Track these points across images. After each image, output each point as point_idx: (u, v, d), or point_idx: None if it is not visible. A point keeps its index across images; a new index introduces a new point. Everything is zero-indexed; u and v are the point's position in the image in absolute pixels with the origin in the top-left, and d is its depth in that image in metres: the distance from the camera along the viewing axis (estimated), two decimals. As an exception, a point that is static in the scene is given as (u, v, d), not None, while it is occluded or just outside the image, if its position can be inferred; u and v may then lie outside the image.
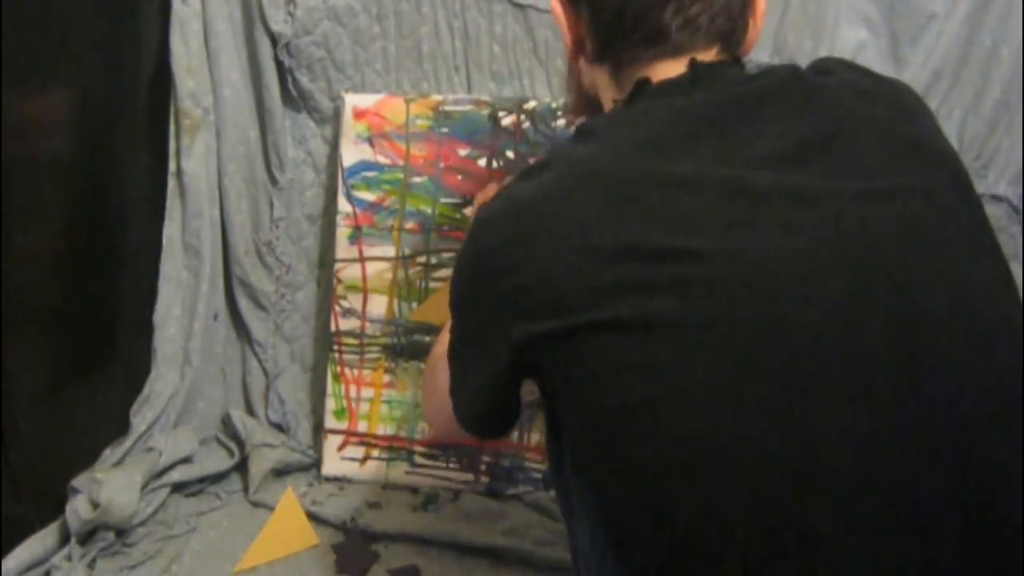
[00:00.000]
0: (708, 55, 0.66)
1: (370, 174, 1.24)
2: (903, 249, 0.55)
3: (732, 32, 0.67)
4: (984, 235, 0.60)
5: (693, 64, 0.64)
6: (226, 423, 1.29)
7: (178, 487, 1.19)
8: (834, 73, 0.65)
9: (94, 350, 1.22)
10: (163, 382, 1.23)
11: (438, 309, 1.22)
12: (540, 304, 0.58)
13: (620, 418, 0.55)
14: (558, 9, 0.71)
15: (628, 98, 0.65)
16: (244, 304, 1.30)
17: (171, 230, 1.25)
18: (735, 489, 0.52)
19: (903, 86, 0.67)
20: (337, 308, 1.25)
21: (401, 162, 1.23)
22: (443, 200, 1.23)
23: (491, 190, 1.08)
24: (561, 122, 1.20)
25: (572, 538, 0.68)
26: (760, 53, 1.18)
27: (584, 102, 0.77)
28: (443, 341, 0.77)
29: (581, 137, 0.64)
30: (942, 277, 0.56)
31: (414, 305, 1.23)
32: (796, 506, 0.51)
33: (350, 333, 1.24)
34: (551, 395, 0.61)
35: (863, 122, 0.60)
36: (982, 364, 0.54)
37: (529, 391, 0.73)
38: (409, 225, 1.23)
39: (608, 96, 0.70)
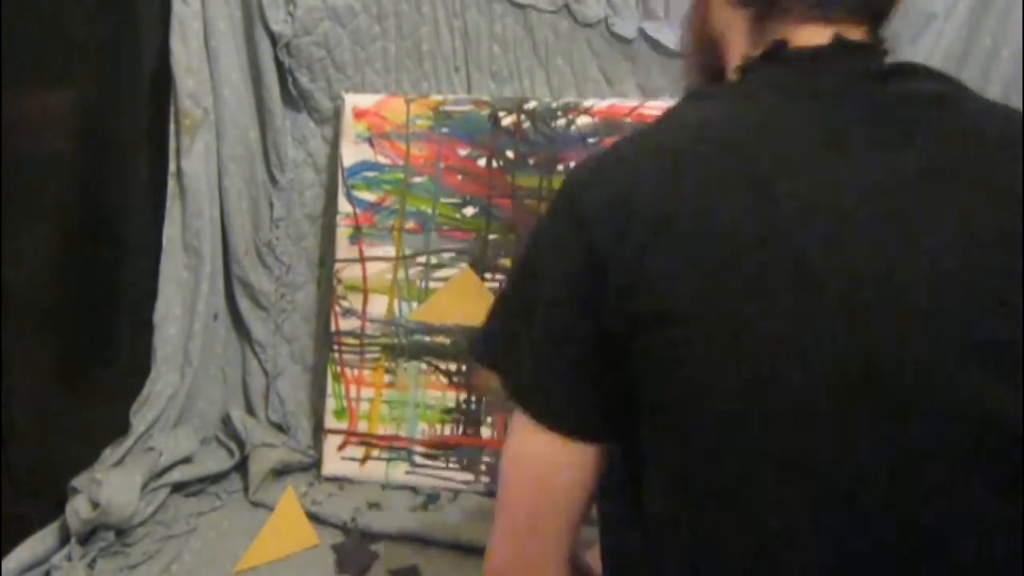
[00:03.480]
0: (854, 31, 0.61)
1: (370, 174, 1.24)
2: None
3: (884, 14, 0.64)
4: None
5: (838, 39, 0.60)
6: (226, 423, 1.29)
7: (178, 487, 1.18)
8: (977, 109, 0.62)
9: (94, 350, 1.22)
10: (163, 382, 1.23)
11: (438, 309, 1.22)
12: (636, 288, 0.53)
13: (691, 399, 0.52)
14: None
15: (759, 59, 0.61)
16: (244, 304, 1.30)
17: (171, 230, 1.25)
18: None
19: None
20: (337, 308, 1.25)
21: (401, 162, 1.23)
22: (443, 200, 1.22)
23: None
24: (561, 122, 1.20)
25: (606, 517, 0.65)
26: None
27: (706, 44, 0.69)
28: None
29: (697, 98, 0.61)
30: None
31: (414, 305, 1.23)
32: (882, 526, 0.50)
33: (350, 333, 1.24)
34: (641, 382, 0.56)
35: (985, 165, 0.56)
36: None
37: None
38: (409, 225, 1.23)
39: (737, 45, 0.64)
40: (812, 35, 0.60)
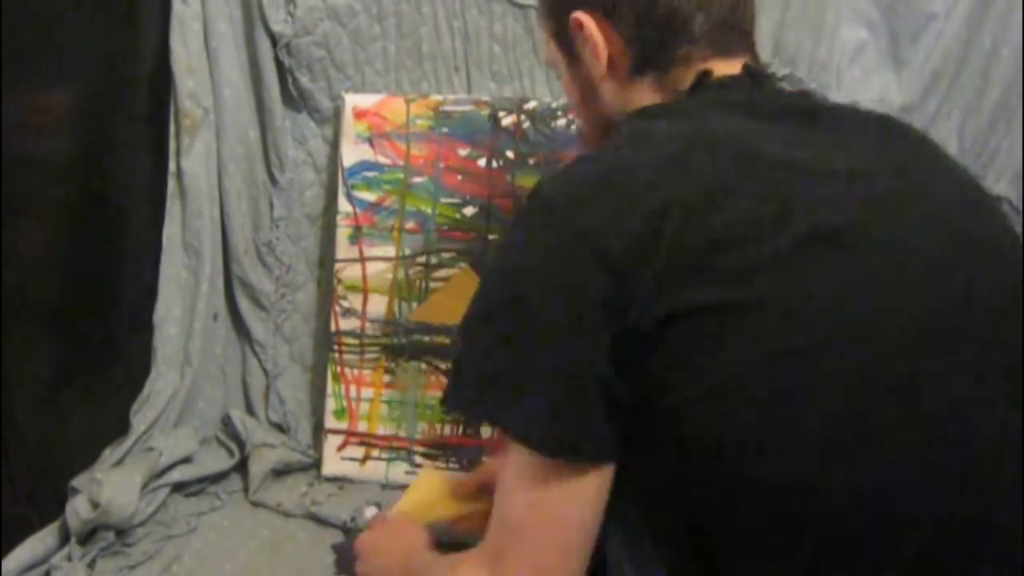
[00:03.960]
0: (748, 59, 0.67)
1: (370, 174, 1.24)
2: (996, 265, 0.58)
3: (753, 48, 0.68)
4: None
5: (748, 67, 0.65)
6: (226, 423, 1.29)
7: (178, 487, 1.18)
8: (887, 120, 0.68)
9: (94, 350, 1.22)
10: (163, 382, 1.23)
11: (438, 309, 1.22)
12: (684, 269, 0.53)
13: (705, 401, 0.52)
14: (592, 28, 0.67)
15: (691, 89, 0.64)
16: (244, 304, 1.30)
17: (171, 230, 1.25)
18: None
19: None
20: (337, 308, 1.25)
21: (401, 162, 1.23)
22: (443, 200, 1.22)
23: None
24: (561, 122, 1.20)
25: (608, 546, 0.64)
26: (760, 53, 1.18)
27: (604, 129, 0.71)
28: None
29: (651, 118, 0.63)
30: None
31: (414, 305, 1.23)
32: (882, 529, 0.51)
33: (350, 333, 1.24)
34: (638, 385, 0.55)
35: (930, 163, 0.63)
36: None
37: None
38: (409, 225, 1.23)
39: (644, 103, 0.67)
40: (724, 68, 0.65)
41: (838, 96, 1.17)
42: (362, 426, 1.24)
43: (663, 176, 0.55)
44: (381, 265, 1.24)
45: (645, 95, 0.67)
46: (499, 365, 0.57)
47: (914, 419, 0.51)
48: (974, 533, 0.51)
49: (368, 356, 1.24)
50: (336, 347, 1.25)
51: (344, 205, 1.24)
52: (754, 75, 0.64)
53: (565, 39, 0.70)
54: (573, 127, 1.20)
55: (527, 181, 1.20)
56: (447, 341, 1.22)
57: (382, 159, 1.24)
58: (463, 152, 1.22)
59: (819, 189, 0.55)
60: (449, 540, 0.82)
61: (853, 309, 0.52)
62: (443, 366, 1.22)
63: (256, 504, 1.19)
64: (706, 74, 0.64)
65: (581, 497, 0.56)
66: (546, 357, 0.54)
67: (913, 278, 0.53)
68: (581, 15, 0.67)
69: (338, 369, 1.25)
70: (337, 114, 1.27)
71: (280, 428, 1.31)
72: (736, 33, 0.66)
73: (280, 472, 1.24)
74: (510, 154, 1.21)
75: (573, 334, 0.54)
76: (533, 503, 0.57)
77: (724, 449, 0.52)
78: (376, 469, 1.23)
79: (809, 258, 0.53)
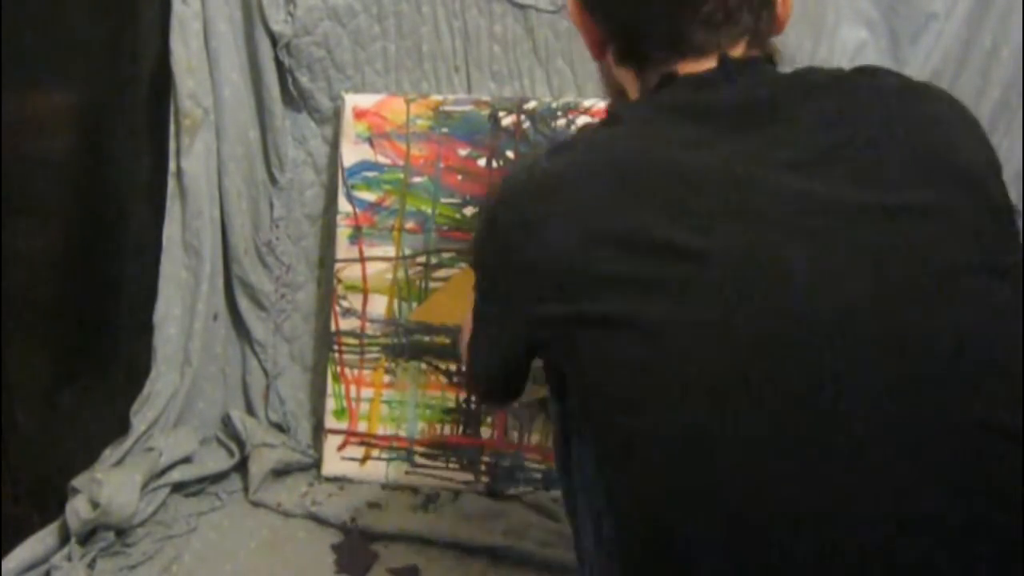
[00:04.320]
0: (737, 50, 0.64)
1: (370, 174, 1.24)
2: (909, 269, 0.55)
3: (757, 22, 0.65)
4: (1002, 256, 0.58)
5: (723, 59, 0.63)
6: (226, 423, 1.29)
7: (178, 487, 1.18)
8: (873, 77, 0.64)
9: (94, 350, 1.22)
10: (163, 382, 1.23)
11: (438, 309, 1.22)
12: (547, 285, 0.58)
13: (615, 412, 0.55)
14: (576, 14, 0.71)
15: (655, 89, 0.65)
16: (244, 304, 1.30)
17: (171, 230, 1.25)
18: (730, 490, 0.52)
19: (942, 95, 0.65)
20: (337, 308, 1.25)
21: (401, 162, 1.23)
22: (443, 200, 1.22)
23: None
24: (561, 122, 1.20)
25: (577, 539, 0.67)
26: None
27: (618, 95, 0.76)
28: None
29: (607, 122, 0.64)
30: (946, 301, 0.54)
31: (414, 305, 1.23)
32: (793, 507, 0.51)
33: (350, 333, 1.24)
34: (559, 379, 0.62)
35: (893, 132, 0.59)
36: (969, 390, 0.53)
37: (531, 390, 0.73)
38: (409, 225, 1.23)
39: (634, 92, 0.70)
40: (697, 66, 0.64)
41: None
42: (362, 426, 1.24)
43: (562, 189, 0.59)
44: (381, 265, 1.24)
45: (632, 84, 0.70)
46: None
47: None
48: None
49: (368, 356, 1.24)
50: (336, 347, 1.25)
51: (344, 205, 1.24)
52: (727, 67, 0.63)
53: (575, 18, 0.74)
54: (573, 127, 1.20)
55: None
56: (447, 341, 1.22)
57: (382, 159, 1.24)
58: (463, 152, 1.22)
59: (690, 197, 0.56)
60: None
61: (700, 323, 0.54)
62: (443, 366, 1.22)
63: (256, 504, 1.19)
64: (669, 76, 0.64)
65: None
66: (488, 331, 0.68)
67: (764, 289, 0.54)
68: (572, 3, 0.71)
69: (338, 369, 1.25)
70: (337, 114, 1.27)
71: (280, 428, 1.31)
72: (710, 30, 0.64)
73: (280, 472, 1.24)
74: (510, 154, 1.21)
75: (500, 308, 0.65)
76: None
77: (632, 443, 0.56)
78: (376, 469, 1.23)
79: (666, 274, 0.55)
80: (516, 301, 0.61)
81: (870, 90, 0.62)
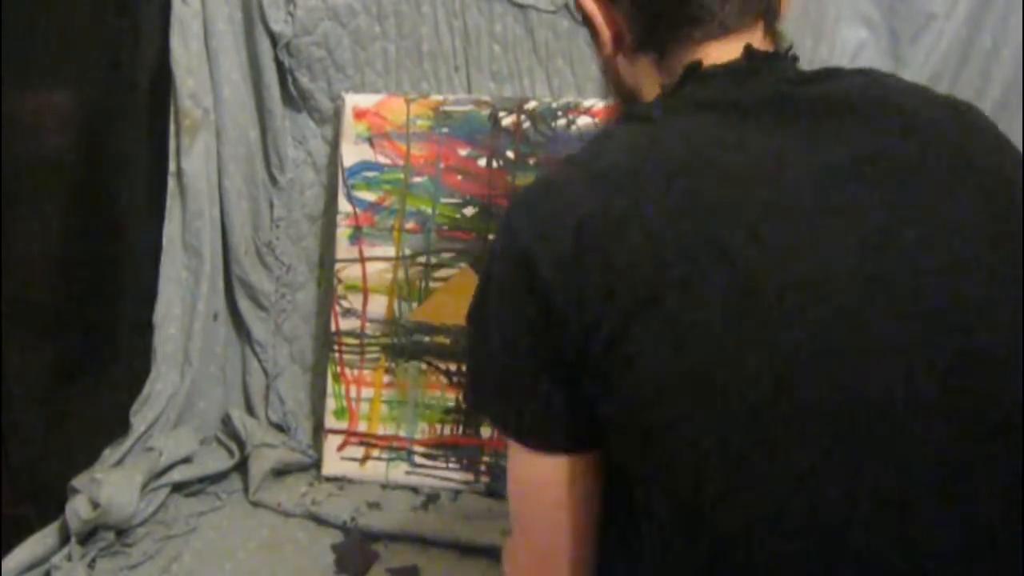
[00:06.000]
0: (756, 36, 0.63)
1: (370, 174, 1.24)
2: (939, 280, 0.53)
3: (770, 5, 0.64)
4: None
5: (749, 51, 0.62)
6: (226, 423, 1.29)
7: (178, 487, 1.18)
8: (904, 93, 0.63)
9: (94, 350, 1.22)
10: (163, 382, 1.23)
11: (438, 309, 1.22)
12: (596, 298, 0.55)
13: (647, 424, 0.54)
14: (591, 6, 0.68)
15: (679, 83, 0.63)
16: (244, 304, 1.30)
17: (171, 230, 1.25)
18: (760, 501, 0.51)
19: (975, 113, 0.65)
20: (337, 308, 1.25)
21: (401, 162, 1.23)
22: (443, 200, 1.22)
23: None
24: (561, 122, 1.20)
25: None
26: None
27: (627, 95, 0.72)
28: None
29: (629, 121, 0.62)
30: (993, 309, 0.53)
31: (414, 305, 1.23)
32: (826, 521, 0.50)
33: (350, 333, 1.24)
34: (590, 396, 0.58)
35: (927, 140, 0.58)
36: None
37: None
38: (409, 225, 1.23)
39: (653, 85, 0.67)
40: (721, 52, 0.62)
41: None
42: (362, 426, 1.24)
43: (588, 193, 0.56)
44: (381, 265, 1.24)
45: (651, 75, 0.67)
46: (478, 364, 0.64)
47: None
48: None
49: (368, 356, 1.24)
50: (336, 347, 1.25)
51: (344, 205, 1.24)
52: (754, 58, 0.62)
53: (584, 21, 0.72)
54: (573, 127, 1.20)
55: (527, 181, 1.20)
56: (447, 341, 1.22)
57: (382, 159, 1.24)
58: (463, 152, 1.22)
59: (734, 199, 0.54)
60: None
61: (748, 327, 0.52)
62: (443, 366, 1.22)
63: (256, 504, 1.19)
64: (695, 67, 0.63)
65: (559, 479, 0.60)
66: (496, 367, 0.61)
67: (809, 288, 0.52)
68: None
69: (338, 369, 1.25)
70: (337, 114, 1.27)
71: (280, 428, 1.31)
72: (735, 4, 0.63)
73: (280, 472, 1.24)
74: (510, 154, 1.21)
75: (510, 353, 0.59)
76: (520, 487, 0.64)
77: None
78: (376, 469, 1.23)
79: (707, 275, 0.52)
80: (544, 325, 0.56)
81: (904, 105, 0.61)
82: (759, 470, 0.51)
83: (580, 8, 0.70)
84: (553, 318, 0.55)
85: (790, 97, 0.59)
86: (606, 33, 0.68)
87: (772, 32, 0.65)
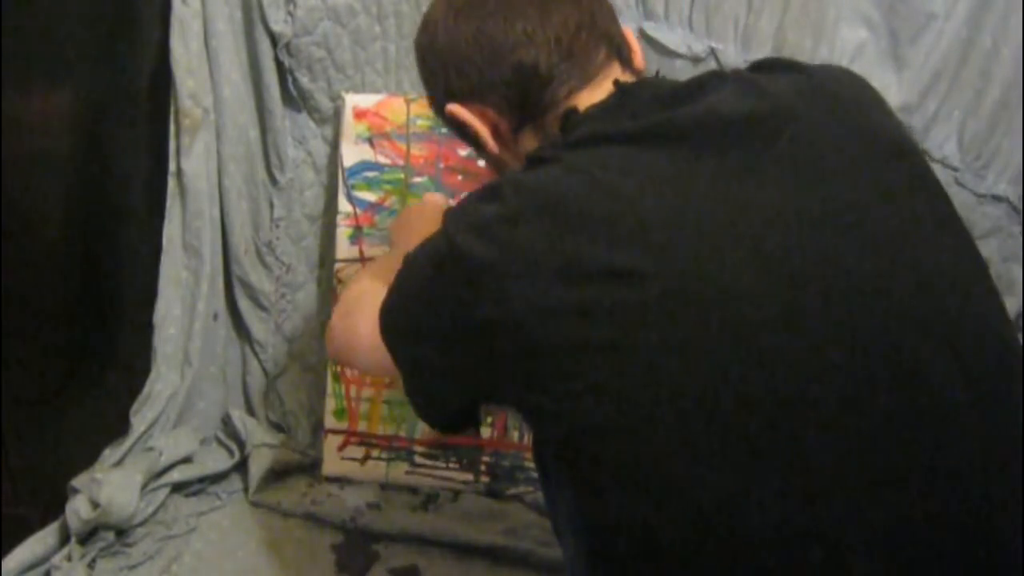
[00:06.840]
0: (616, 72, 0.67)
1: (371, 174, 1.24)
2: (861, 257, 0.55)
3: (618, 46, 0.68)
4: (949, 223, 0.60)
5: (617, 84, 0.65)
6: (226, 423, 1.29)
7: (178, 487, 1.18)
8: (770, 72, 0.65)
9: (94, 350, 1.22)
10: (163, 382, 1.23)
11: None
12: (501, 327, 0.57)
13: (579, 438, 0.55)
14: (463, 113, 0.71)
15: (561, 130, 0.66)
16: (244, 304, 1.30)
17: (171, 230, 1.25)
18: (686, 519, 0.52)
19: (842, 73, 0.67)
20: (337, 308, 1.25)
21: (402, 162, 1.23)
22: (443, 200, 1.22)
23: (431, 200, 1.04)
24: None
25: (564, 551, 0.67)
26: (760, 53, 1.18)
27: (503, 166, 0.76)
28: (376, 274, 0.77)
29: (530, 165, 0.64)
30: (903, 276, 0.56)
31: (414, 305, 1.23)
32: (753, 532, 0.51)
33: (350, 333, 1.24)
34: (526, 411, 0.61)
35: (812, 123, 0.60)
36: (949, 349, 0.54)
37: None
38: (409, 225, 1.23)
39: (529, 144, 0.70)
40: (592, 96, 0.66)
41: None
42: (362, 426, 1.24)
43: (492, 234, 0.59)
44: (381, 265, 1.23)
45: (533, 143, 0.70)
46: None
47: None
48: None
49: (368, 356, 1.24)
50: (336, 347, 1.25)
51: (344, 205, 1.24)
52: (624, 90, 0.65)
53: (457, 130, 0.75)
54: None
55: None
56: (447, 341, 1.22)
57: (382, 159, 1.24)
58: (463, 152, 1.22)
59: (633, 223, 0.56)
60: None
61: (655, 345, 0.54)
62: (443, 366, 1.22)
63: (256, 504, 1.19)
64: (571, 112, 0.66)
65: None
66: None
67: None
68: (453, 107, 0.72)
69: (338, 369, 1.25)
70: (337, 114, 1.27)
71: (280, 428, 1.31)
72: (593, 52, 0.67)
73: (280, 472, 1.24)
74: (510, 154, 1.21)
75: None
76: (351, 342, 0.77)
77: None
78: (376, 469, 1.23)
79: (614, 299, 0.54)
80: (468, 346, 0.61)
81: (777, 88, 0.62)
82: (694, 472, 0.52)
83: (452, 121, 0.73)
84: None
85: (670, 121, 0.61)
86: (484, 131, 0.71)
87: (632, 69, 0.69)
